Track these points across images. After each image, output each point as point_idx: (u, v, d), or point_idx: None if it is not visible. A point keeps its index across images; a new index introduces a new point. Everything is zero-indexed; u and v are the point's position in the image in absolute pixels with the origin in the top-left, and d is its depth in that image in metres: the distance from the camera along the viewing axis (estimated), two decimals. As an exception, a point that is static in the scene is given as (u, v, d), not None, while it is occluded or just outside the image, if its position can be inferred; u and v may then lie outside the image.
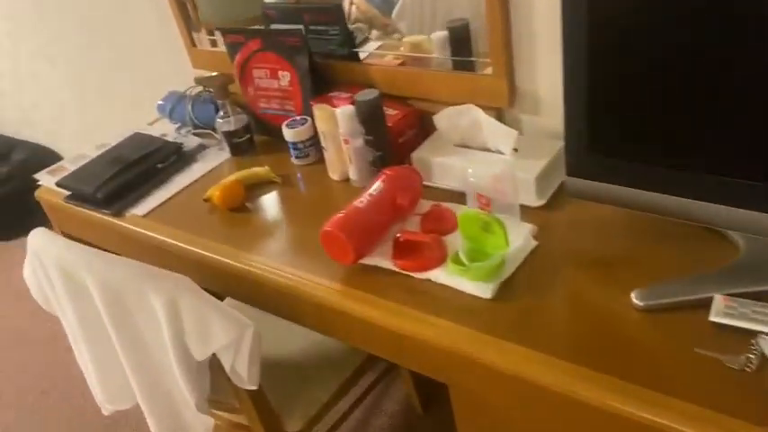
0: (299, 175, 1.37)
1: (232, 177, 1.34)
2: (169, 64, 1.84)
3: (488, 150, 1.19)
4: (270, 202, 1.30)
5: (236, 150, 1.47)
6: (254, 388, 1.08)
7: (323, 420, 1.36)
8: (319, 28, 1.42)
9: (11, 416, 2.08)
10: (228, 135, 1.45)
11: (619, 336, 0.86)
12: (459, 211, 1.08)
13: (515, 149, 1.13)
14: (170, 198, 1.38)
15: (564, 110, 0.92)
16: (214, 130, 1.59)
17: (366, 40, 1.41)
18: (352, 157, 1.24)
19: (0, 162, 2.93)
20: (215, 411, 1.37)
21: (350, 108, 1.21)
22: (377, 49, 1.41)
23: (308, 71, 1.36)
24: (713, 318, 0.83)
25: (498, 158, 1.16)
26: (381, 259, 1.06)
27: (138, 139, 1.56)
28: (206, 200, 1.32)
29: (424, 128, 1.32)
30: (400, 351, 1.00)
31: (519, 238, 1.01)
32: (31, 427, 2.03)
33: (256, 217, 1.27)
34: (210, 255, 1.19)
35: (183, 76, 1.75)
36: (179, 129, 1.64)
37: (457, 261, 1.00)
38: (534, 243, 1.03)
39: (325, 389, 1.31)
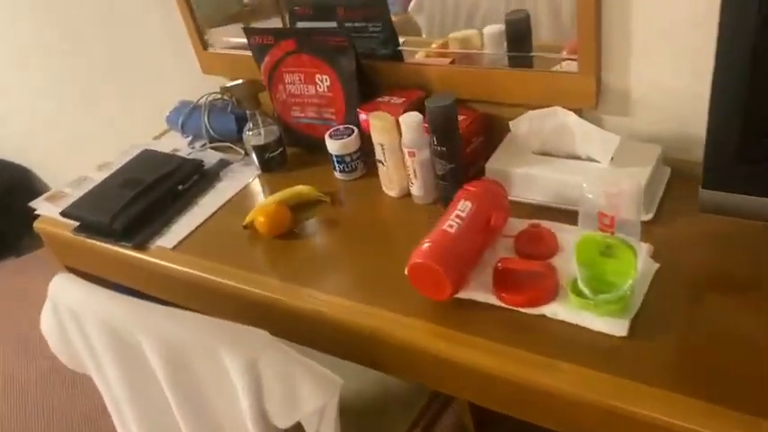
0: (344, 192, 1.21)
1: (273, 199, 1.17)
2: (173, 70, 1.64)
3: (576, 158, 1.05)
4: (321, 226, 1.14)
5: (268, 166, 1.29)
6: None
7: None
8: (357, 25, 1.26)
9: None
10: (259, 150, 1.27)
11: (800, 378, 0.73)
12: (566, 231, 0.94)
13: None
14: (200, 225, 1.20)
15: (709, 115, 0.78)
16: (232, 142, 1.41)
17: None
18: (417, 171, 1.08)
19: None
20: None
21: (416, 116, 1.05)
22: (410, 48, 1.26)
23: (355, 75, 1.19)
24: None
25: (593, 167, 1.02)
26: (480, 292, 0.90)
27: (149, 157, 1.37)
28: (246, 226, 1.14)
29: (488, 134, 1.18)
30: (518, 402, 0.85)
31: (639, 262, 0.87)
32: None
33: (308, 244, 1.10)
34: (260, 291, 1.02)
35: (190, 82, 1.56)
36: (192, 143, 1.46)
37: (578, 292, 0.85)
38: (655, 265, 0.90)
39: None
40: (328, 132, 1.21)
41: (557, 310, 0.86)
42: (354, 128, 1.21)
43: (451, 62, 1.25)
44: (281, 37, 1.23)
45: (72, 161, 2.08)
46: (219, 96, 1.45)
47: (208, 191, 1.29)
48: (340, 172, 1.23)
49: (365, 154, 1.22)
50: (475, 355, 0.85)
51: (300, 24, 1.32)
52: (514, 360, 0.83)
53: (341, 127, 1.22)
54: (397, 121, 1.08)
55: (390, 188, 1.16)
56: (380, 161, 1.13)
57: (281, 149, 1.29)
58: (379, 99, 1.21)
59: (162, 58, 1.63)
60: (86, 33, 1.79)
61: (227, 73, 1.48)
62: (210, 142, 1.43)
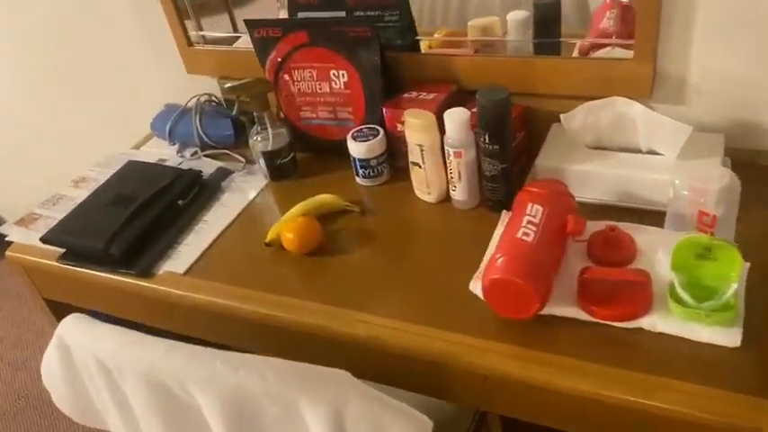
0: (372, 199, 1.09)
1: (297, 211, 1.04)
2: (151, 70, 1.47)
3: (635, 151, 0.97)
4: (355, 239, 1.01)
5: (278, 174, 1.16)
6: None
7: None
8: (370, 14, 1.14)
9: None
10: (269, 156, 1.14)
11: None
12: (643, 232, 0.86)
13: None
14: (211, 245, 1.05)
15: None
16: (229, 148, 1.27)
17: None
18: (462, 174, 0.98)
19: None
20: None
21: (464, 112, 0.95)
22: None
23: (379, 68, 1.07)
24: None
25: (658, 161, 0.94)
26: (564, 306, 0.81)
27: (138, 169, 1.21)
28: (269, 243, 1.01)
29: (528, 129, 1.08)
30: (619, 428, 0.76)
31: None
32: None
33: (345, 261, 0.98)
34: (299, 318, 0.90)
35: (173, 84, 1.40)
36: (181, 151, 1.30)
37: (678, 300, 0.77)
38: (746, 264, 0.82)
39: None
40: (350, 134, 1.09)
41: (655, 322, 0.77)
42: (379, 128, 1.09)
43: (476, 52, 1.15)
44: (290, 29, 1.10)
45: (30, 177, 1.87)
46: (209, 98, 1.31)
47: (212, 205, 1.14)
48: (364, 177, 1.11)
49: (390, 156, 1.11)
50: (568, 377, 0.75)
51: (302, 15, 1.19)
52: (616, 381, 0.74)
53: (364, 128, 1.10)
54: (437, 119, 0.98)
55: (427, 193, 1.05)
56: (416, 164, 1.02)
57: (292, 154, 1.16)
58: (406, 95, 1.10)
59: (136, 57, 1.46)
60: (43, 30, 1.59)
61: (216, 72, 1.33)
62: (203, 149, 1.28)
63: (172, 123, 1.28)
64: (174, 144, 1.31)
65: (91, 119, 1.70)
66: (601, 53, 1.05)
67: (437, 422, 0.82)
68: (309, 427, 0.66)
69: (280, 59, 1.13)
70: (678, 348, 0.75)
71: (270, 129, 1.12)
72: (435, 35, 1.17)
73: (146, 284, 1.01)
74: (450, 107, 1.03)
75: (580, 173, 0.96)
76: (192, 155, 1.29)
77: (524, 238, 0.81)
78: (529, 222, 0.83)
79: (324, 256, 0.99)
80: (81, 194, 1.19)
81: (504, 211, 0.98)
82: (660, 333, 0.77)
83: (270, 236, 1.01)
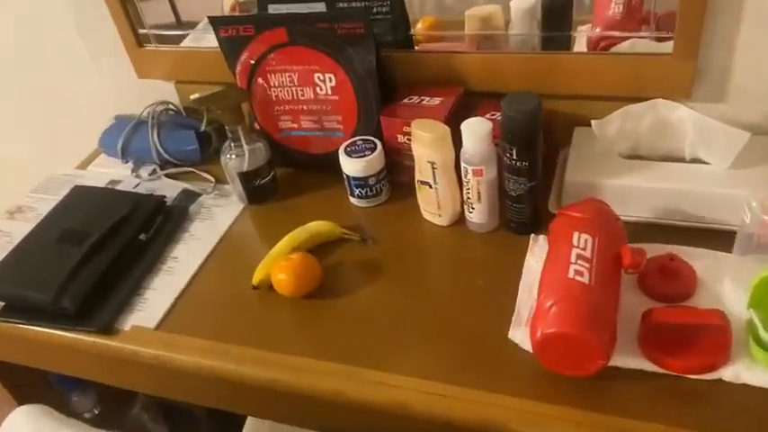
0: (371, 224, 0.94)
1: (286, 244, 0.88)
2: (91, 74, 1.26)
3: (678, 160, 0.84)
4: (359, 275, 0.86)
5: (258, 197, 1.00)
6: None
7: None
8: (355, 5, 0.98)
9: None
10: (246, 177, 0.97)
11: None
12: (701, 258, 0.74)
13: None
14: (185, 289, 0.88)
15: None
16: (195, 166, 1.10)
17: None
18: (482, 194, 0.84)
19: None
20: None
21: (486, 123, 0.80)
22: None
23: (375, 71, 0.91)
24: None
25: (709, 171, 0.82)
26: (627, 356, 0.68)
27: (87, 196, 1.03)
28: (256, 287, 0.85)
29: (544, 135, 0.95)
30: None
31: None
32: None
33: (349, 304, 0.83)
34: (304, 382, 0.74)
35: (119, 91, 1.21)
36: (136, 170, 1.12)
37: (762, 345, 0.65)
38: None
39: None
40: (343, 148, 0.93)
41: (739, 372, 0.65)
42: (376, 141, 0.94)
43: (478, 47, 1.01)
44: (265, 26, 0.93)
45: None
46: (166, 107, 1.12)
47: (180, 237, 0.97)
48: (360, 198, 0.95)
49: (388, 171, 0.96)
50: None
51: (273, 9, 1.01)
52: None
53: (358, 140, 0.95)
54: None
55: (438, 215, 0.90)
56: (426, 183, 0.87)
57: (272, 174, 0.99)
58: (405, 100, 0.94)
59: (75, 61, 1.25)
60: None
61: (172, 75, 1.15)
62: (163, 168, 1.10)
63: (125, 139, 1.10)
64: (127, 162, 1.12)
65: (26, 135, 1.48)
66: (624, 46, 0.92)
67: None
68: None
69: (253, 62, 0.96)
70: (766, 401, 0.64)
71: (245, 144, 0.95)
72: (419, 25, 1.02)
73: (109, 343, 0.83)
74: (459, 113, 0.89)
75: (622, 188, 0.83)
76: (150, 174, 1.10)
77: (578, 278, 0.67)
78: (579, 258, 0.70)
79: (324, 299, 0.83)
80: (18, 228, 1.00)
81: (533, 236, 0.85)
82: (744, 385, 0.65)
83: (257, 277, 0.85)
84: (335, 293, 0.84)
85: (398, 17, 0.98)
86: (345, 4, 0.98)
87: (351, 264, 0.88)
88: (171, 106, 1.14)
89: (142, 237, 0.95)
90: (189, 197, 1.04)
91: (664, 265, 0.74)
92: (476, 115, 0.85)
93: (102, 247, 0.91)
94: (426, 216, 0.92)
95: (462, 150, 0.82)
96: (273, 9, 1.01)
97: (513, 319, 0.75)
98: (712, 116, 0.88)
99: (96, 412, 1.19)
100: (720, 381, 0.66)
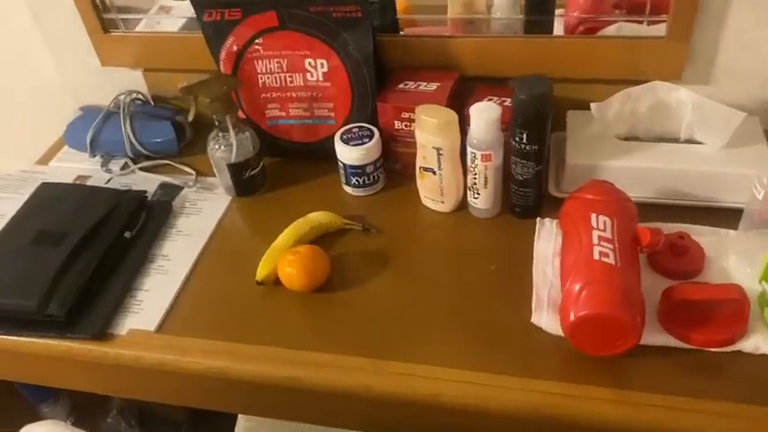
0: (370, 212, 0.92)
1: (288, 237, 0.85)
2: (51, 61, 1.16)
3: (673, 141, 0.87)
4: (366, 266, 0.84)
5: (247, 189, 0.95)
6: None
7: None
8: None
9: None
10: (236, 169, 0.93)
11: None
12: (706, 236, 0.77)
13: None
14: (182, 288, 0.84)
15: None
16: (171, 158, 1.04)
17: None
18: (489, 179, 0.84)
19: None
20: None
21: (494, 108, 0.80)
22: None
23: (372, 56, 0.89)
24: None
25: (703, 151, 0.85)
26: (651, 334, 0.70)
27: (59, 194, 0.95)
28: (260, 282, 0.81)
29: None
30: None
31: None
32: None
33: (361, 295, 0.81)
34: (328, 379, 0.72)
35: (82, 78, 1.13)
36: (106, 165, 1.05)
37: (779, 317, 0.68)
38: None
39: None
40: (339, 136, 0.91)
41: (758, 344, 0.68)
42: (372, 128, 0.92)
43: (463, 30, 1.00)
44: (253, 10, 0.89)
45: None
46: (135, 96, 1.06)
47: (168, 234, 0.92)
48: (356, 187, 0.93)
49: (384, 159, 0.94)
50: (682, 418, 0.64)
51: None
52: (743, 418, 0.64)
53: (353, 128, 0.92)
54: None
55: (441, 201, 0.89)
56: (429, 169, 0.86)
57: (261, 164, 0.96)
58: (401, 86, 0.93)
59: (26, 47, 1.15)
60: None
61: (140, 62, 1.08)
62: (135, 162, 1.04)
63: (94, 131, 1.02)
64: (95, 156, 1.05)
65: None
66: (611, 30, 0.94)
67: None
68: None
69: (239, 47, 0.92)
70: (786, 371, 0.67)
71: (233, 134, 0.91)
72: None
73: (106, 350, 0.78)
74: (457, 98, 0.89)
75: (624, 170, 0.84)
76: (122, 168, 1.04)
77: (605, 259, 0.68)
78: (602, 239, 0.70)
79: (334, 292, 0.81)
80: (-16, 232, 0.92)
81: (539, 219, 0.85)
82: (762, 354, 0.68)
83: (262, 272, 0.81)
84: (345, 286, 0.81)
85: (387, 1, 0.96)
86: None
87: (355, 255, 0.86)
88: (139, 95, 1.07)
89: (127, 235, 0.89)
90: (170, 191, 0.99)
91: (674, 243, 0.76)
92: (474, 100, 0.85)
93: (85, 248, 0.85)
94: (427, 203, 0.91)
95: (469, 135, 0.82)
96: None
97: (534, 303, 0.75)
98: (701, 97, 0.91)
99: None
100: (740, 352, 0.69)
